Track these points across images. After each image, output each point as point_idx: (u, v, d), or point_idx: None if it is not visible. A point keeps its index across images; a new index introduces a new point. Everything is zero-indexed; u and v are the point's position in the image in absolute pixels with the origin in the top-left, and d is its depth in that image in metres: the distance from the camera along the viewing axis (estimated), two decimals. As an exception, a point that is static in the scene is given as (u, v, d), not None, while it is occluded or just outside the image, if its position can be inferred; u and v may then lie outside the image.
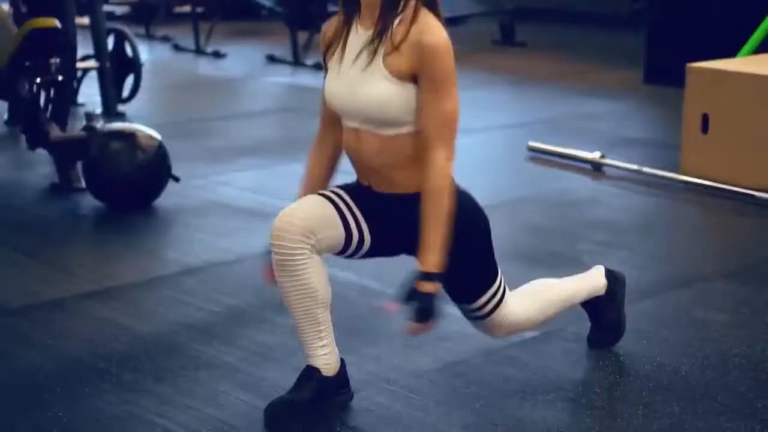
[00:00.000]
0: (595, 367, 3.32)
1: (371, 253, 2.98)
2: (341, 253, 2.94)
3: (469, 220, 2.93)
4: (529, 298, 3.20)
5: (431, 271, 2.76)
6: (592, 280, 3.38)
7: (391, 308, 2.92)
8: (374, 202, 2.92)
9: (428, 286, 2.76)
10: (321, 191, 2.95)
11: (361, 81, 2.80)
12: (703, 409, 3.04)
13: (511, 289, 3.15)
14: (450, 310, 3.73)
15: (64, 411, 3.01)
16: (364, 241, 2.92)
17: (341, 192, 2.95)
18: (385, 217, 2.92)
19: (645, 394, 3.13)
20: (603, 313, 3.41)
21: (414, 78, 2.77)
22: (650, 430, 2.92)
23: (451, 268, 2.85)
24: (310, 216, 2.83)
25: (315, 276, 2.84)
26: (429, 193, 2.76)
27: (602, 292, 3.39)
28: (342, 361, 3.00)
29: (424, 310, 2.78)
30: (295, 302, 2.86)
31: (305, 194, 2.99)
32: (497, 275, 3.06)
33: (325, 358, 2.93)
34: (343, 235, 2.89)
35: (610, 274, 3.42)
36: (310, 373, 2.93)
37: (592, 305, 3.41)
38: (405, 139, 2.82)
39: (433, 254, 2.76)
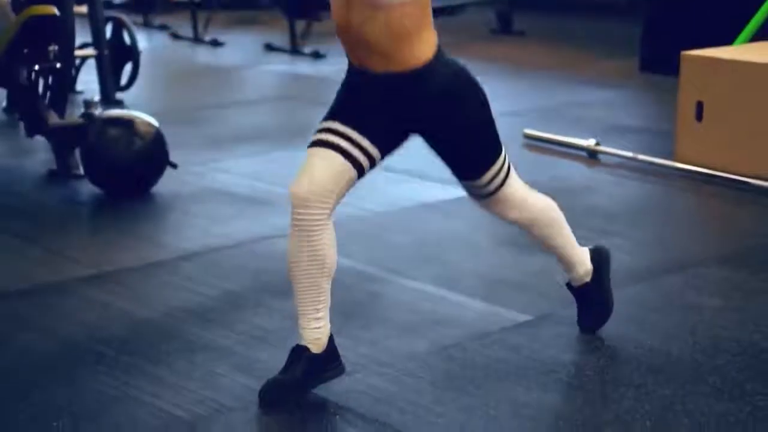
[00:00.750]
0: (588, 350, 3.36)
1: (385, 155, 3.03)
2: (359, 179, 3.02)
3: (470, 91, 3.00)
4: (539, 197, 3.32)
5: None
6: (580, 257, 3.41)
7: None
8: (374, 91, 2.94)
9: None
10: (320, 138, 2.95)
11: None
12: (694, 391, 3.08)
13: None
14: (444, 295, 3.79)
15: (63, 392, 3.05)
16: (374, 159, 2.99)
17: (337, 126, 2.95)
18: (388, 103, 2.94)
19: (636, 377, 3.17)
20: (589, 296, 3.45)
21: None
22: (641, 411, 2.96)
23: (458, 142, 2.99)
24: (324, 177, 2.91)
25: (327, 243, 2.94)
26: None
27: (587, 278, 3.42)
28: (330, 336, 3.04)
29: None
30: (304, 270, 2.94)
31: None
32: (502, 149, 3.13)
33: (318, 332, 3.00)
34: (356, 172, 2.96)
35: (595, 255, 3.46)
36: (300, 352, 3.00)
37: (578, 289, 3.44)
38: (398, 10, 2.82)
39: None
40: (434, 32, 2.96)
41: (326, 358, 3.02)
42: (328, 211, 2.93)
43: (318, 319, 2.99)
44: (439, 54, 2.95)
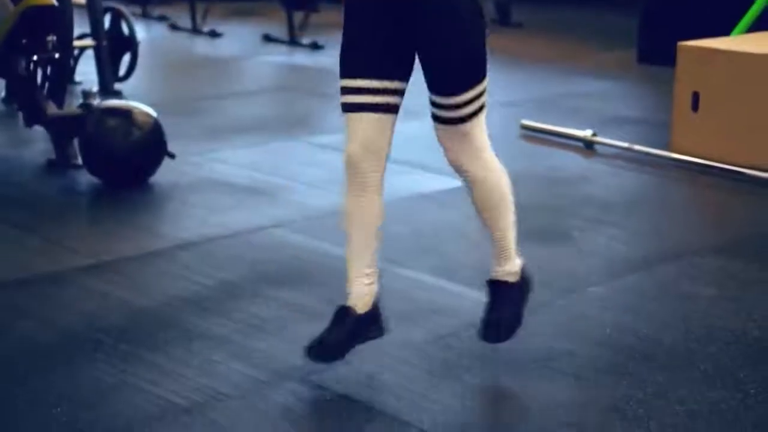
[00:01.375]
0: (582, 339, 3.38)
1: (410, 77, 3.07)
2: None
3: (475, 8, 3.00)
4: (498, 162, 3.21)
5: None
6: (514, 254, 3.28)
7: None
8: (376, 28, 2.97)
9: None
10: (351, 102, 3.01)
11: None
12: (686, 378, 3.11)
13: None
14: (441, 284, 3.82)
15: (62, 379, 3.08)
16: (404, 90, 3.05)
17: (360, 83, 2.99)
18: (390, 37, 2.97)
19: (629, 365, 3.19)
20: (508, 296, 3.27)
21: None
22: (634, 398, 2.98)
23: (450, 49, 2.97)
24: (372, 137, 3.01)
25: (381, 199, 3.08)
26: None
27: (512, 279, 3.27)
28: (376, 297, 3.15)
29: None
30: (365, 223, 3.08)
31: None
32: (486, 76, 3.08)
33: (367, 288, 3.10)
34: (394, 115, 3.05)
35: (525, 271, 3.33)
36: (344, 312, 3.10)
37: (499, 285, 3.27)
38: None
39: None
40: None
41: (370, 319, 3.12)
42: (383, 165, 3.04)
43: (368, 275, 3.12)
44: None
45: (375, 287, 3.14)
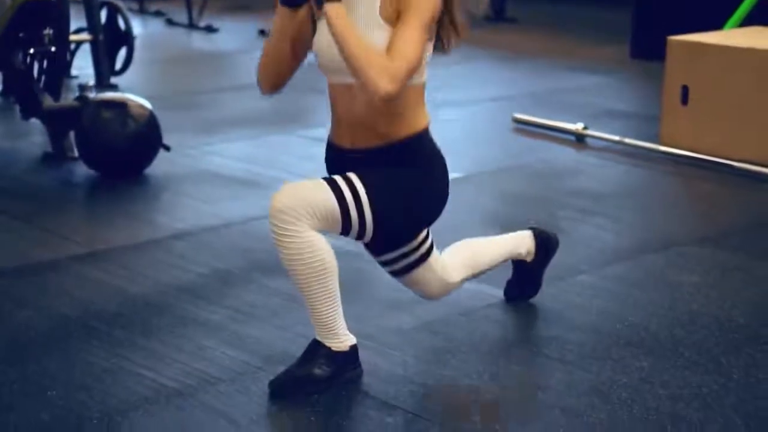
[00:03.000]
0: (570, 325, 3.44)
1: None
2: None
3: (432, 175, 3.01)
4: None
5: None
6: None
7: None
8: (355, 163, 2.98)
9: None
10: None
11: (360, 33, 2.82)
12: (670, 364, 3.17)
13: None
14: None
15: (56, 364, 3.14)
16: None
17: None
18: (365, 166, 2.97)
19: (615, 351, 3.25)
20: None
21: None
22: (618, 383, 3.04)
23: (387, 205, 2.92)
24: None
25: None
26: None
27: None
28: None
29: None
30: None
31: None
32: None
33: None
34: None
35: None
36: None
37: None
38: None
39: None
40: (426, 111, 3.01)
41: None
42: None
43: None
44: (427, 131, 3.01)
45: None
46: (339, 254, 4.00)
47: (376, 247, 3.17)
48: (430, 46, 2.97)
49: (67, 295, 3.68)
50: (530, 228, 3.59)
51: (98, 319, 3.46)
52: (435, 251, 3.25)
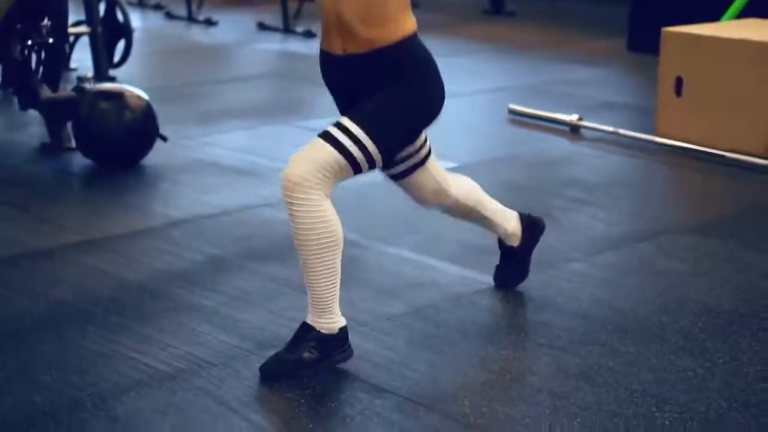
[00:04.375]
0: (559, 311, 3.48)
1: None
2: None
3: (419, 79, 3.03)
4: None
5: None
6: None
7: None
8: (348, 72, 3.04)
9: None
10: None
11: None
12: (657, 349, 3.21)
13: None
14: (423, 260, 3.92)
15: (51, 348, 3.18)
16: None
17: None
18: (356, 80, 3.04)
19: (602, 336, 3.29)
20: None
21: None
22: (605, 367, 3.08)
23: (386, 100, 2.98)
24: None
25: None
26: None
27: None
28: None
29: None
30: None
31: None
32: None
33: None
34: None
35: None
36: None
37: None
38: None
39: None
40: (412, 16, 3.04)
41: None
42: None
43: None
44: (416, 36, 3.04)
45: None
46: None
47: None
48: None
49: (63, 281, 3.73)
50: (517, 212, 3.62)
51: (93, 304, 3.51)
52: (433, 157, 3.30)
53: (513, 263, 3.61)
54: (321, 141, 2.98)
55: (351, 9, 2.96)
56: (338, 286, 3.03)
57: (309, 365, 3.00)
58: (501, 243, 3.61)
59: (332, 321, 3.03)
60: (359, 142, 2.95)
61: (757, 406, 2.86)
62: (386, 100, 2.99)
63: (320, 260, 2.96)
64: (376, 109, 2.99)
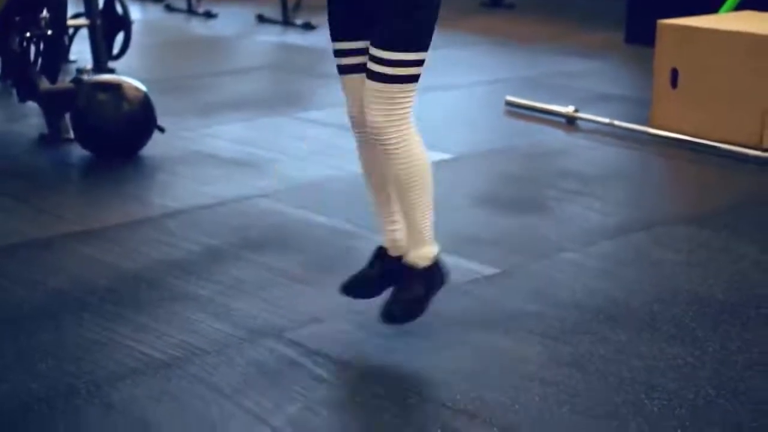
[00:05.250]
0: (551, 301, 3.51)
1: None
2: None
3: None
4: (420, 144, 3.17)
5: None
6: (429, 239, 3.22)
7: None
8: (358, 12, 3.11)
9: None
10: (340, 64, 3.19)
11: None
12: (648, 337, 3.24)
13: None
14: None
15: (48, 336, 3.21)
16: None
17: (343, 45, 3.17)
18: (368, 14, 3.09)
19: (594, 325, 3.32)
20: (412, 283, 3.22)
21: None
22: (596, 354, 3.11)
23: (392, 9, 3.01)
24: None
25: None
26: None
27: (426, 263, 3.21)
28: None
29: None
30: (381, 172, 3.17)
31: None
32: (423, 51, 3.05)
33: (398, 234, 3.26)
34: None
35: (439, 260, 3.26)
36: (383, 252, 3.30)
37: (407, 269, 3.23)
38: None
39: None
40: None
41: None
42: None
43: (394, 221, 3.26)
44: None
45: (403, 232, 3.24)
46: (332, 232, 4.11)
47: (388, 37, 3.07)
48: None
49: (60, 271, 3.76)
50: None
51: (90, 293, 3.54)
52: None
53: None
54: (373, 82, 3.06)
55: None
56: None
57: (423, 301, 3.18)
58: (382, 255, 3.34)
59: (432, 249, 3.22)
60: (402, 62, 3.03)
61: (745, 394, 2.89)
62: (394, 16, 3.04)
63: (426, 188, 3.14)
64: (393, 26, 3.03)
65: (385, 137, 3.06)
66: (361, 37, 3.14)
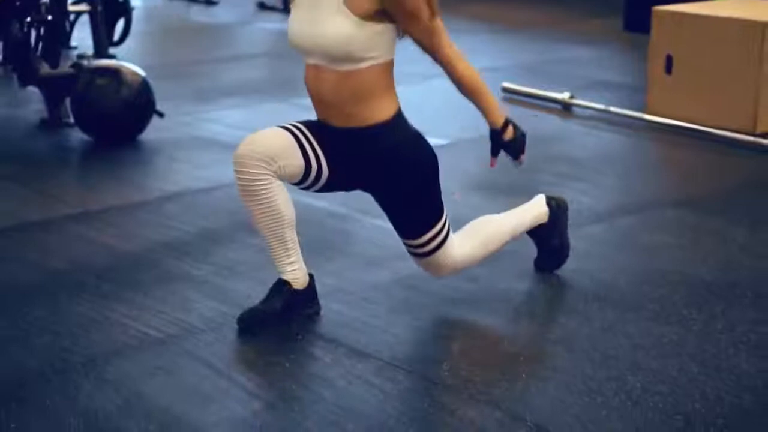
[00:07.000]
0: (542, 282, 3.57)
1: (329, 187, 3.22)
2: (300, 183, 3.18)
3: (420, 158, 3.16)
4: (472, 237, 3.39)
5: (503, 122, 3.27)
6: (533, 211, 3.57)
7: (492, 165, 3.37)
8: (333, 139, 3.14)
9: (510, 131, 3.29)
10: (282, 124, 3.19)
11: (324, 20, 2.99)
12: (634, 317, 3.30)
13: (455, 229, 3.38)
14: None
15: (46, 315, 3.28)
16: (322, 173, 3.15)
17: (302, 126, 3.18)
18: (342, 152, 3.14)
19: (582, 305, 3.38)
20: (547, 239, 3.61)
21: (378, 16, 2.98)
22: (583, 333, 3.17)
23: (399, 202, 3.15)
24: (272, 144, 3.10)
25: (279, 199, 3.11)
26: (462, 77, 3.19)
27: (545, 219, 3.59)
28: (311, 276, 3.26)
29: (519, 146, 3.36)
30: (263, 224, 3.14)
31: None
32: (443, 214, 3.25)
33: (294, 273, 3.20)
34: (303, 166, 3.12)
35: (551, 201, 3.62)
36: (280, 286, 3.20)
37: (536, 232, 3.60)
38: (363, 74, 3.03)
39: (496, 111, 3.26)
40: (395, 96, 3.14)
41: (306, 296, 3.23)
42: (268, 174, 3.09)
43: (291, 263, 3.20)
44: (397, 117, 3.12)
45: (303, 270, 3.22)
46: (326, 215, 4.16)
47: (410, 229, 3.26)
48: (393, 28, 3.06)
49: (58, 251, 3.82)
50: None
51: (87, 273, 3.60)
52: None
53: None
54: (424, 259, 3.28)
55: (333, 85, 3.06)
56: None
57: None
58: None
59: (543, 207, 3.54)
60: (433, 237, 3.23)
61: (727, 371, 2.95)
62: (404, 188, 3.16)
63: (493, 248, 3.46)
64: (409, 216, 3.22)
65: (442, 274, 3.38)
66: (328, 160, 3.14)
